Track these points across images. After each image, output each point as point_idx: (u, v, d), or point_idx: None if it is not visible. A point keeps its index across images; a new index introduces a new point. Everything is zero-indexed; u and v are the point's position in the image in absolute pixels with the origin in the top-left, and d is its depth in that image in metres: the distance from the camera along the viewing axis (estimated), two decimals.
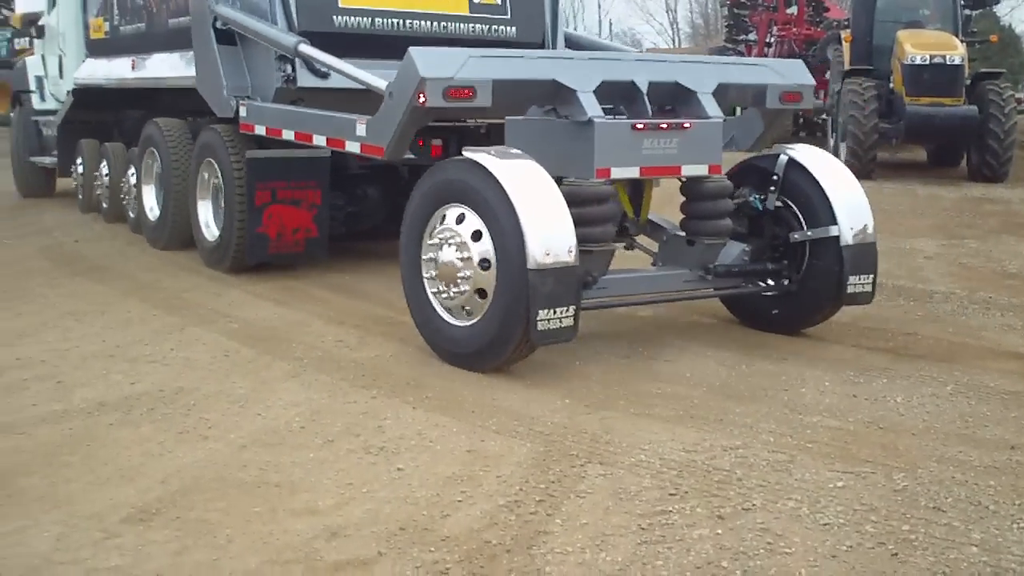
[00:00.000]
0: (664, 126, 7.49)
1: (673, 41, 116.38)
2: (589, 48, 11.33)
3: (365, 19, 10.12)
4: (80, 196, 14.52)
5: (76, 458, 5.38)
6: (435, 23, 10.50)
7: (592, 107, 7.26)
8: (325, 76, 9.52)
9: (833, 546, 4.32)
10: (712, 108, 7.79)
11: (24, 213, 14.92)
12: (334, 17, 9.97)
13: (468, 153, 7.06)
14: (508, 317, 6.58)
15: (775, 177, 7.94)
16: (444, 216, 7.08)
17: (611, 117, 7.43)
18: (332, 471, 5.15)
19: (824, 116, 23.57)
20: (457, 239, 6.88)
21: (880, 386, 6.59)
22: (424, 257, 7.19)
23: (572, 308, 6.58)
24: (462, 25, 10.64)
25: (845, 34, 21.54)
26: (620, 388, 6.53)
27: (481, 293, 6.79)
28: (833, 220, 7.61)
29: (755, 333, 7.89)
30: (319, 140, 8.95)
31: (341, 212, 10.68)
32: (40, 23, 14.88)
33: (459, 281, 6.88)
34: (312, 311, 8.65)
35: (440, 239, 7.00)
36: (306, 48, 9.10)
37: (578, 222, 6.76)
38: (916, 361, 7.19)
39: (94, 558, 4.26)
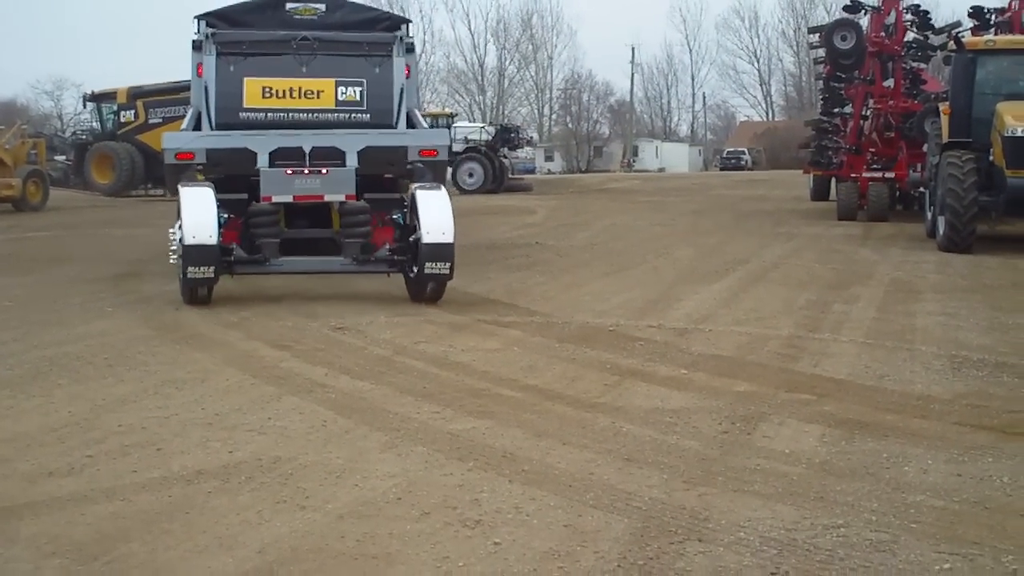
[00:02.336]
0: (306, 171, 13.28)
1: (767, 114, 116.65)
2: (417, 124, 15.17)
3: (260, 114, 14.45)
4: None
5: (175, 525, 5.43)
6: (310, 114, 14.57)
7: (263, 162, 13.30)
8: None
9: None
10: (352, 161, 13.48)
11: (125, 281, 15.22)
12: (240, 114, 14.39)
13: (179, 185, 12.73)
14: (183, 271, 12.24)
15: (406, 204, 13.28)
16: (177, 219, 12.55)
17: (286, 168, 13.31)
18: (429, 544, 5.14)
19: (922, 189, 23.31)
20: (176, 231, 12.43)
21: (985, 465, 6.44)
22: (172, 245, 12.65)
23: (212, 268, 12.25)
24: (330, 115, 14.62)
25: (943, 107, 21.28)
26: (718, 464, 6.46)
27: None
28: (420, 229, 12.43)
29: (853, 410, 7.75)
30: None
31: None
32: None
33: (175, 253, 12.45)
34: (407, 382, 8.69)
35: (173, 231, 12.63)
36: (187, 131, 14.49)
37: (254, 226, 13.18)
38: (1022, 440, 7.01)
39: None
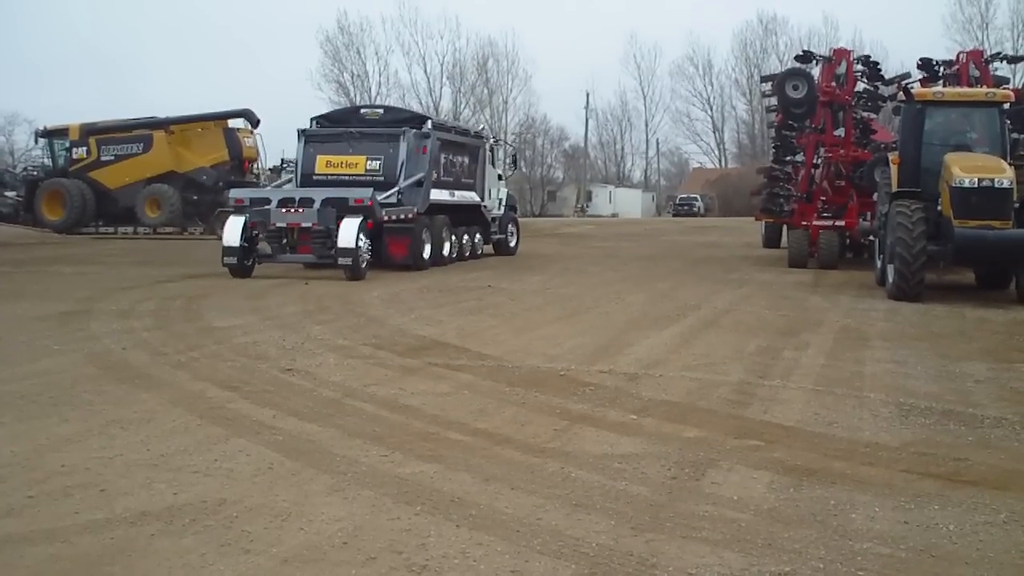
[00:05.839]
0: (291, 210, 22.61)
1: (720, 161, 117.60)
2: (425, 183, 25.83)
3: (324, 177, 25.74)
4: None
5: (117, 568, 5.36)
6: (351, 175, 25.44)
7: (275, 204, 22.84)
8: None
9: None
10: (318, 204, 22.42)
11: (72, 319, 15.07)
12: (313, 177, 25.84)
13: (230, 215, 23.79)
14: (221, 260, 22.84)
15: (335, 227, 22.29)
16: None
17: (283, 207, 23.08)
18: None
19: (872, 238, 23.53)
20: None
21: (931, 513, 6.47)
22: None
23: (234, 258, 22.55)
24: (360, 178, 25.24)
25: (892, 156, 21.56)
26: (666, 510, 6.44)
27: None
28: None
29: (802, 456, 7.77)
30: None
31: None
32: None
33: None
34: (356, 425, 8.63)
35: None
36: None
37: (268, 238, 23.39)
38: (968, 488, 7.05)
39: None
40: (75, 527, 6.01)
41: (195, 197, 41.77)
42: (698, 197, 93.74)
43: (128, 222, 42.65)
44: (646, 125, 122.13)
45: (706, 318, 15.96)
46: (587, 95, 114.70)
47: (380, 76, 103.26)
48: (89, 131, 41.79)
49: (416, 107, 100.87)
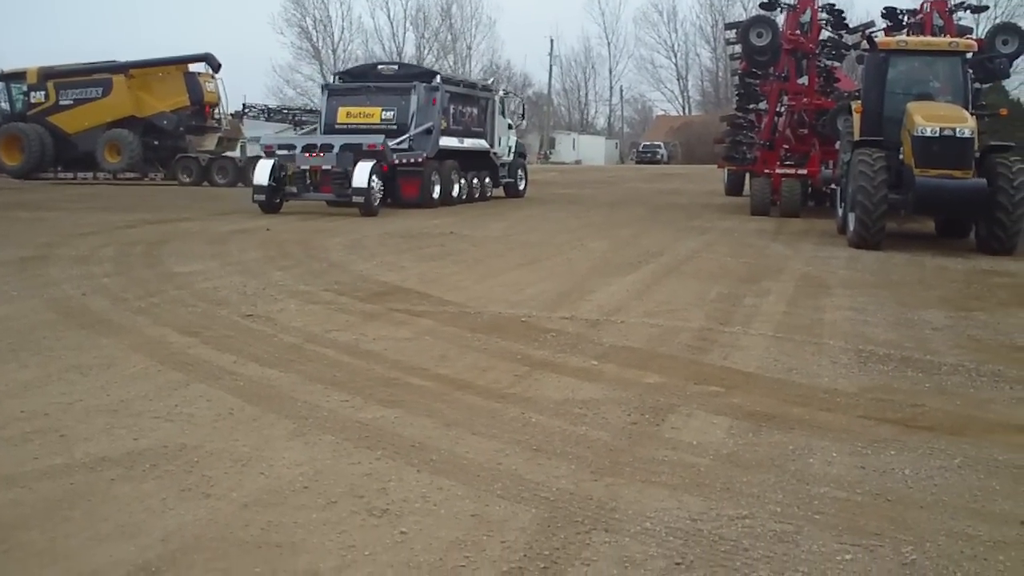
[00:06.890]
0: (314, 155, 25.83)
1: (683, 109, 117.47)
2: (433, 131, 28.95)
3: (344, 126, 28.85)
4: None
5: (77, 513, 5.34)
6: (368, 124, 28.54)
7: (299, 150, 26.16)
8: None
9: None
10: (337, 149, 25.60)
11: (31, 265, 14.95)
12: (335, 126, 29.10)
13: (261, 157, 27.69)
14: (252, 197, 26.29)
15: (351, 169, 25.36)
16: None
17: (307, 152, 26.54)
18: (334, 533, 5.11)
19: (833, 186, 23.62)
20: None
21: (888, 458, 6.53)
22: None
23: (263, 195, 25.72)
24: (376, 126, 28.35)
25: (855, 105, 21.62)
26: (626, 455, 6.48)
27: None
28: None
29: (761, 402, 7.83)
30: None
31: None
32: None
33: None
34: (317, 370, 8.62)
35: None
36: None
37: (289, 181, 26.28)
38: (924, 433, 7.12)
39: None
40: (35, 472, 5.99)
41: (156, 142, 41.44)
42: (661, 144, 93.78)
43: (88, 167, 42.29)
44: (610, 72, 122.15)
45: (668, 265, 16.01)
46: (551, 41, 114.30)
47: (343, 21, 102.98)
48: (47, 75, 41.30)
49: (379, 53, 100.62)
